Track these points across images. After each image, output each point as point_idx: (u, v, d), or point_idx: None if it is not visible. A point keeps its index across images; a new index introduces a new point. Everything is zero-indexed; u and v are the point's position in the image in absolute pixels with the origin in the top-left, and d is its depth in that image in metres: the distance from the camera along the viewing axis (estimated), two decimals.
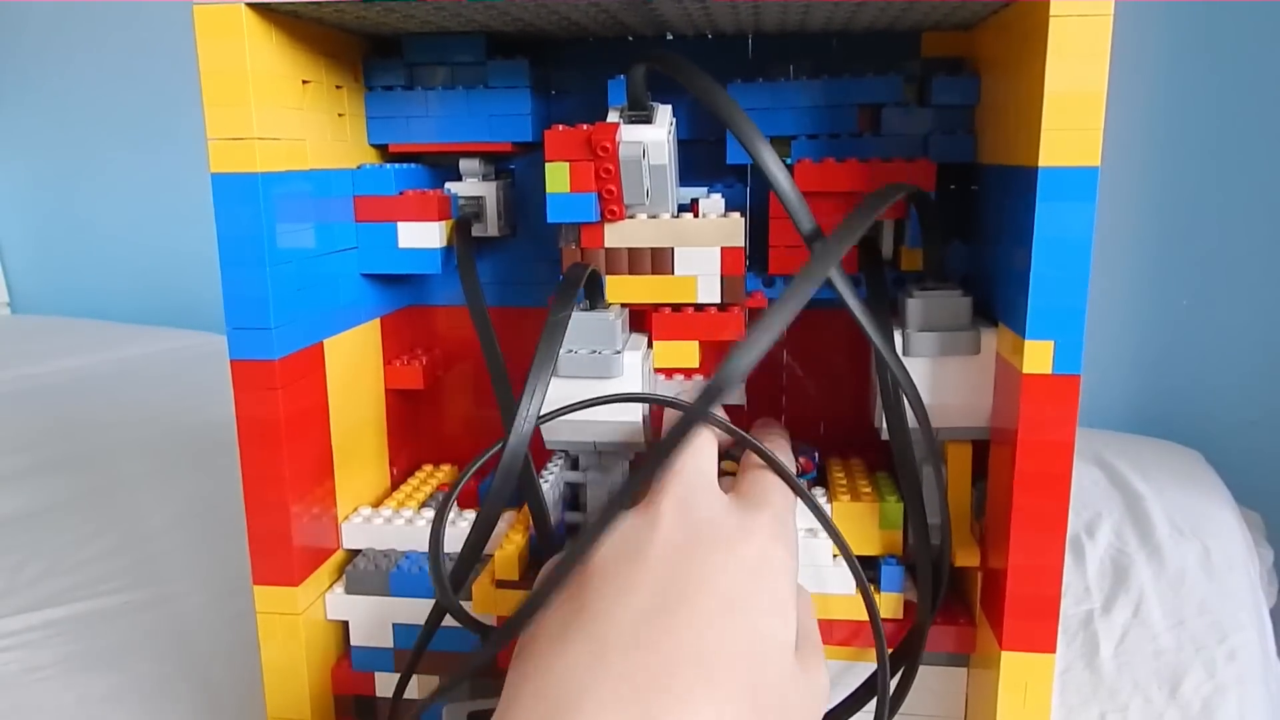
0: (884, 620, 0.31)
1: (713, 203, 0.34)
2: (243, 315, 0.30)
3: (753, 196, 0.37)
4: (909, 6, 0.30)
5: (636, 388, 0.32)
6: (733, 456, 0.31)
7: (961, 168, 0.34)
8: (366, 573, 0.34)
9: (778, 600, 0.25)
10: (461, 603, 0.30)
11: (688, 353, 0.34)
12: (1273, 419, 0.83)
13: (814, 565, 0.32)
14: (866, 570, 0.30)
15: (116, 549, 0.59)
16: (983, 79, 0.33)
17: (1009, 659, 0.29)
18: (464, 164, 0.38)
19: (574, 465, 0.37)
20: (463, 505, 0.37)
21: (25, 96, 1.43)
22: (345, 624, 0.35)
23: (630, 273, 0.33)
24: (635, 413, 0.32)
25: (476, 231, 0.37)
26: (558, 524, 0.35)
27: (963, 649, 0.33)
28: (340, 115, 0.35)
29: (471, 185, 0.38)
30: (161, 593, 0.53)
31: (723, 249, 0.33)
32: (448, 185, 0.37)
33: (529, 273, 0.40)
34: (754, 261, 0.37)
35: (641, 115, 0.32)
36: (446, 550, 0.34)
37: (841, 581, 0.32)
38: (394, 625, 0.34)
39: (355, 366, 0.36)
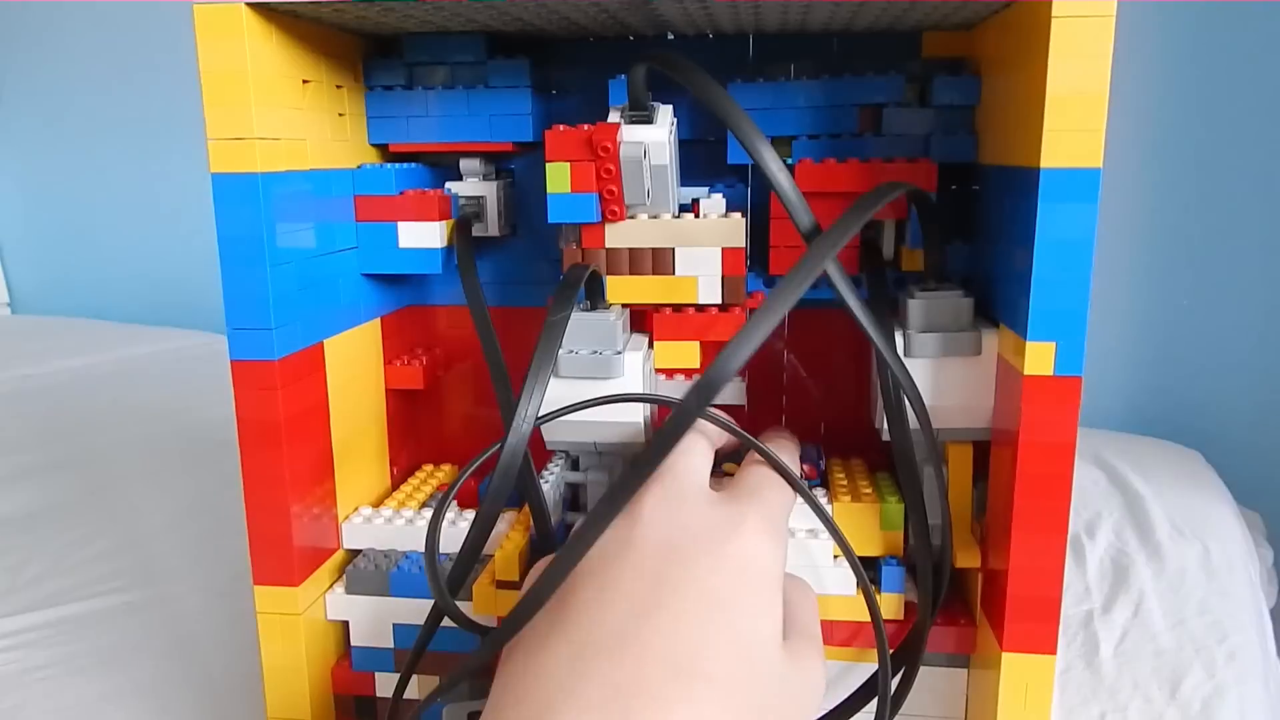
0: (885, 621, 0.31)
1: (714, 203, 0.34)
2: (243, 315, 0.30)
3: (754, 196, 0.37)
4: (910, 6, 0.30)
5: (637, 388, 0.32)
6: (737, 460, 0.31)
7: (963, 168, 0.34)
8: (367, 573, 0.34)
9: (762, 596, 0.25)
10: (462, 603, 0.30)
11: (688, 353, 0.34)
12: (1273, 419, 0.83)
13: (814, 566, 0.32)
14: (867, 571, 0.30)
15: (116, 549, 0.59)
16: (984, 79, 0.33)
17: (1009, 660, 0.29)
18: (464, 164, 0.38)
19: (574, 465, 0.37)
20: (463, 505, 0.37)
21: (25, 97, 1.43)
22: (345, 624, 0.35)
23: (631, 273, 0.33)
24: (636, 413, 0.32)
25: (477, 231, 0.37)
26: (558, 524, 0.35)
27: (963, 650, 0.33)
28: (340, 115, 0.35)
29: (472, 185, 0.38)
30: (161, 593, 0.53)
31: (723, 249, 0.33)
32: (448, 185, 0.37)
33: (529, 272, 0.40)
34: (755, 262, 0.37)
35: (642, 115, 0.32)
36: (447, 550, 0.34)
37: (842, 582, 0.32)
38: (394, 625, 0.34)
39: (355, 366, 0.36)
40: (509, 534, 0.34)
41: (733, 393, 0.36)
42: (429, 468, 0.42)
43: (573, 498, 0.37)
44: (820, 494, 0.34)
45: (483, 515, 0.29)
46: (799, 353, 0.39)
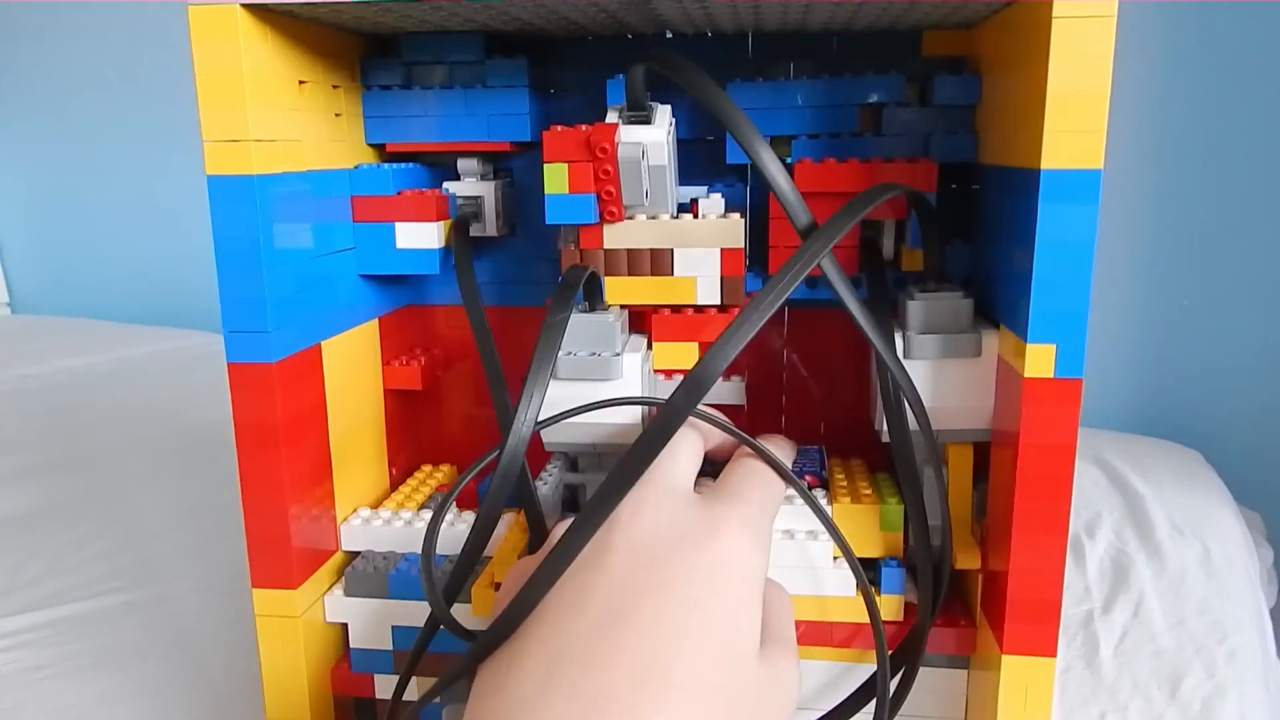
0: (884, 622, 0.31)
1: (712, 203, 0.34)
2: (240, 318, 0.30)
3: (753, 197, 0.37)
4: (910, 6, 0.30)
5: (636, 389, 0.32)
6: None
7: (963, 168, 0.34)
8: (365, 575, 0.34)
9: (739, 600, 0.24)
10: (461, 605, 0.30)
11: (687, 354, 0.33)
12: (1273, 419, 0.83)
13: (814, 568, 0.32)
14: (866, 572, 0.30)
15: (116, 549, 0.59)
16: (984, 79, 0.33)
17: (1009, 662, 0.29)
18: (462, 164, 0.37)
19: (573, 467, 0.37)
20: (461, 506, 0.36)
21: (25, 97, 1.43)
22: (344, 626, 0.35)
23: (629, 274, 0.33)
24: (635, 414, 0.32)
25: (475, 231, 0.37)
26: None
27: (963, 651, 0.33)
28: (337, 115, 0.35)
29: (470, 185, 0.37)
30: (161, 593, 0.53)
31: (722, 250, 0.33)
32: (446, 185, 0.37)
33: (528, 273, 0.40)
34: (754, 262, 0.36)
35: (641, 115, 0.32)
36: (445, 551, 0.34)
37: (841, 583, 0.32)
38: (393, 627, 0.34)
39: (353, 367, 0.36)
40: (507, 536, 0.34)
41: (732, 393, 0.36)
42: (428, 468, 0.42)
43: (572, 499, 0.37)
44: (820, 494, 0.34)
45: (482, 520, 0.29)
46: (799, 353, 0.39)
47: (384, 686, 0.35)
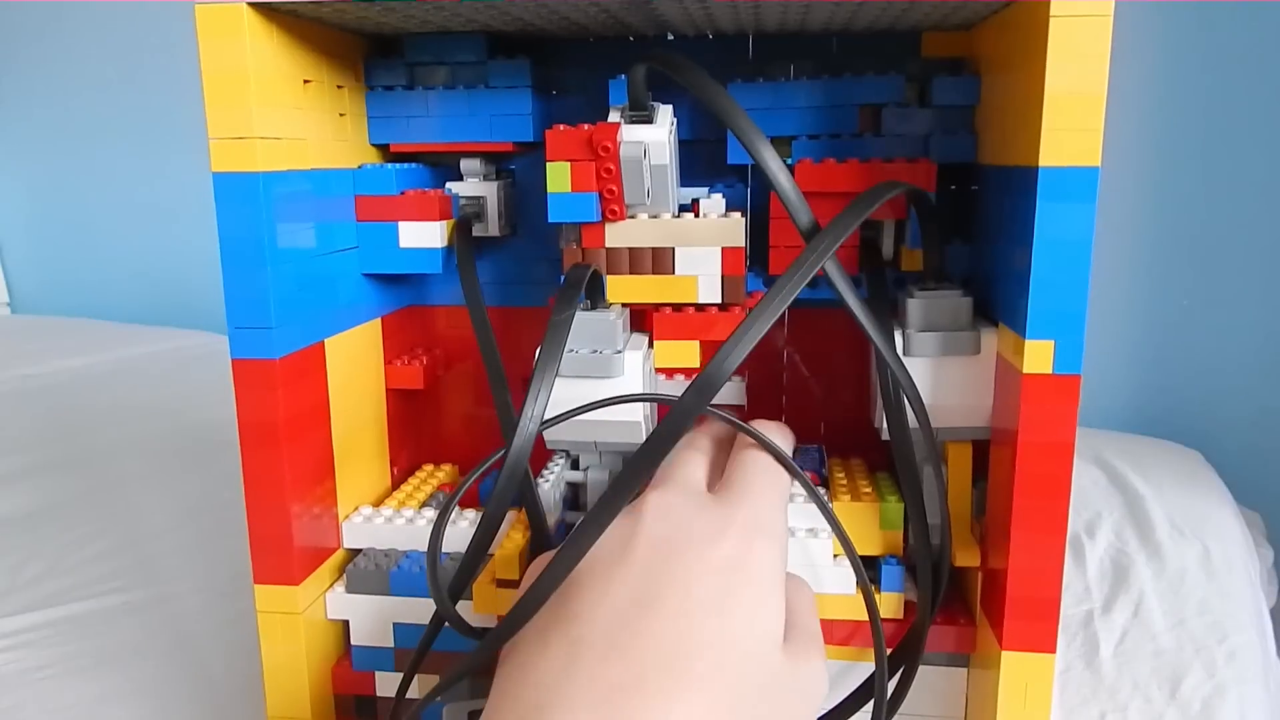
0: (884, 620, 0.31)
1: (713, 203, 0.34)
2: (244, 315, 0.30)
3: (754, 196, 0.37)
4: (909, 6, 0.30)
5: (637, 387, 0.32)
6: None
7: (962, 168, 0.34)
8: (367, 572, 0.34)
9: (758, 595, 0.25)
10: (463, 601, 0.30)
11: (689, 352, 0.34)
12: (1273, 419, 0.83)
13: (813, 565, 0.32)
14: (866, 570, 0.30)
15: (116, 549, 0.59)
16: (983, 79, 0.33)
17: (1009, 659, 0.29)
18: (465, 164, 0.38)
19: (575, 465, 0.37)
20: (462, 505, 0.37)
21: (25, 96, 1.43)
22: (346, 623, 0.35)
23: (631, 273, 0.33)
24: (636, 412, 0.32)
25: (477, 231, 0.37)
26: (559, 524, 0.35)
27: (963, 649, 0.33)
28: (341, 115, 0.35)
29: (472, 185, 0.38)
30: (161, 593, 0.53)
31: (723, 249, 0.33)
32: (449, 185, 0.37)
33: (530, 272, 0.40)
34: (755, 261, 0.37)
35: (642, 115, 0.32)
36: (447, 549, 0.34)
37: (841, 581, 0.32)
38: (394, 625, 0.34)
39: (356, 366, 0.36)
40: (509, 533, 0.34)
41: (733, 392, 0.36)
42: (429, 467, 0.42)
43: (573, 497, 0.37)
44: (820, 493, 0.34)
45: (487, 519, 0.29)
46: (799, 353, 0.39)
47: (385, 684, 0.35)
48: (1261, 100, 0.80)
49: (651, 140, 0.32)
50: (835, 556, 0.32)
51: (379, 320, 0.38)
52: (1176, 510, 0.61)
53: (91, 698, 0.44)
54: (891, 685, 0.30)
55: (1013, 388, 0.28)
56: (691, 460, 0.28)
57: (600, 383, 0.32)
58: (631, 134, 0.31)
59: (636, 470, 0.25)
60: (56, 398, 0.93)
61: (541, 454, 0.36)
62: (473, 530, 0.30)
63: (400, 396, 0.40)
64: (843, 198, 0.33)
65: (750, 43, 0.37)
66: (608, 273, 0.33)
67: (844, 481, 0.35)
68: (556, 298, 0.30)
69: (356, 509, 0.36)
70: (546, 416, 0.29)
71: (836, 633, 0.33)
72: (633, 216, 0.33)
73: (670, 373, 0.35)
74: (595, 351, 0.32)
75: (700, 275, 0.33)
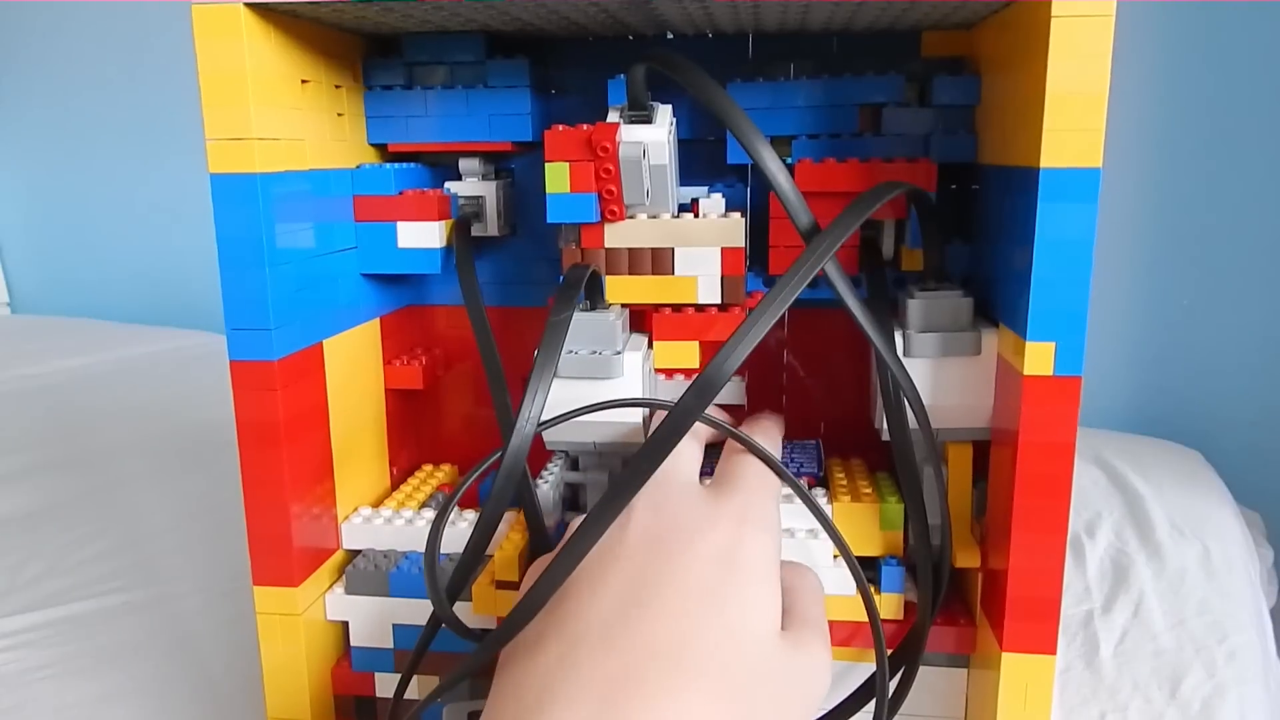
0: (884, 621, 0.31)
1: (713, 203, 0.34)
2: (242, 316, 0.30)
3: (753, 196, 0.37)
4: (910, 6, 0.30)
5: (637, 389, 0.32)
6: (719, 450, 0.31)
7: (962, 168, 0.34)
8: (366, 573, 0.34)
9: (752, 587, 0.25)
10: (462, 603, 0.30)
11: (688, 353, 0.34)
12: (1273, 419, 0.83)
13: (814, 566, 0.32)
14: (866, 571, 0.30)
15: (116, 549, 0.59)
16: (983, 79, 0.33)
17: (1009, 660, 0.29)
18: (464, 163, 0.37)
19: (574, 465, 0.37)
20: (462, 505, 0.37)
21: (25, 97, 1.43)
22: (345, 624, 0.35)
23: (630, 273, 0.33)
24: (634, 413, 0.32)
25: (476, 231, 0.37)
26: (558, 524, 0.35)
27: (963, 650, 0.33)
28: (339, 115, 0.35)
29: (471, 185, 0.38)
30: (161, 593, 0.53)
31: (723, 249, 0.33)
32: (447, 185, 0.37)
33: (529, 272, 0.40)
34: (754, 261, 0.37)
35: (642, 115, 0.32)
36: (446, 550, 0.34)
37: (841, 582, 0.32)
38: (394, 626, 0.34)
39: (355, 366, 0.36)
40: (509, 534, 0.34)
41: (733, 392, 0.36)
42: (428, 468, 0.42)
43: (572, 498, 0.37)
44: (820, 494, 0.34)
45: (484, 520, 0.29)
46: (799, 353, 0.39)
47: (384, 685, 0.35)
48: (1262, 100, 0.80)
49: (651, 140, 0.31)
50: (835, 557, 0.32)
51: (378, 320, 0.38)
52: (1176, 510, 0.60)
53: (92, 698, 0.44)
54: (892, 686, 0.30)
55: (1013, 389, 0.28)
56: (683, 455, 0.28)
57: (600, 384, 0.32)
58: (631, 134, 0.31)
59: (636, 472, 0.25)
60: (56, 398, 0.93)
61: (541, 454, 0.36)
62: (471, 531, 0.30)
63: (399, 397, 0.40)
64: (843, 198, 0.33)
65: (750, 42, 0.37)
66: (607, 273, 0.33)
67: (844, 482, 0.35)
68: (555, 298, 0.30)
69: (356, 510, 0.36)
70: (545, 417, 0.29)
71: (837, 633, 0.32)
72: (632, 217, 0.33)
73: (670, 373, 0.35)
74: (594, 352, 0.32)
75: (700, 275, 0.33)
